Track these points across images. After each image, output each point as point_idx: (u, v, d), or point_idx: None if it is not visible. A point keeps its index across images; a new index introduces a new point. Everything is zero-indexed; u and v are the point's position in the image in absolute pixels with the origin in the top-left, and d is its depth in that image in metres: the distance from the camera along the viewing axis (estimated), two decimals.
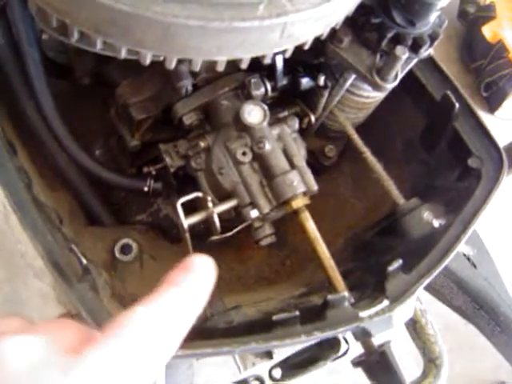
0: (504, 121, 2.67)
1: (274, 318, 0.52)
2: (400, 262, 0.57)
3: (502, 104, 2.66)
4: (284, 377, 1.07)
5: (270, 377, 1.08)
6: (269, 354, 1.13)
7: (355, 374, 0.98)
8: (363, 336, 0.55)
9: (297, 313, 0.53)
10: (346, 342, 0.97)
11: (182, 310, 0.39)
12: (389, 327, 0.55)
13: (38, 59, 0.68)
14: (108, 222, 0.76)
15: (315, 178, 0.65)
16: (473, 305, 0.88)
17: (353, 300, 0.57)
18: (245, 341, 0.52)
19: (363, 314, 0.55)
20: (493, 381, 2.51)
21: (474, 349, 2.48)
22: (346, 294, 0.55)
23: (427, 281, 0.57)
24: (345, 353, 0.99)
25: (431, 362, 0.88)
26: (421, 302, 0.92)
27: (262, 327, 0.55)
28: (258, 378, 0.99)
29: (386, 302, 0.56)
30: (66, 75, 0.79)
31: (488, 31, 2.64)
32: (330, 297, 0.54)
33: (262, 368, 1.09)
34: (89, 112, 0.82)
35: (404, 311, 0.56)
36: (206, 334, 0.56)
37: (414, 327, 0.89)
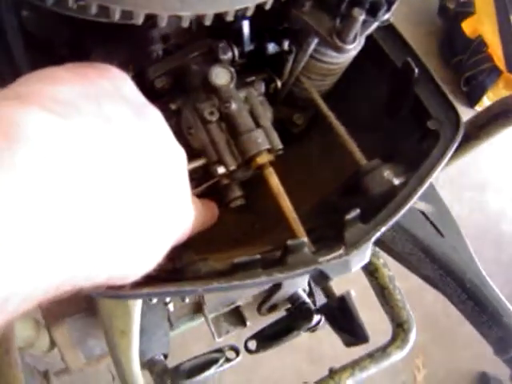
0: None
1: (236, 260, 0.55)
2: (357, 211, 0.60)
3: (481, 98, 2.72)
4: (259, 348, 1.10)
5: (246, 348, 1.11)
6: (242, 321, 1.17)
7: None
8: (322, 279, 0.58)
9: (258, 256, 0.56)
10: (319, 312, 1.01)
11: None
12: (346, 271, 0.58)
13: (17, 26, 0.71)
14: None
15: (284, 147, 0.69)
16: (440, 272, 0.91)
17: (313, 249, 0.60)
18: (207, 281, 0.55)
19: (322, 259, 0.58)
20: (473, 370, 2.56)
21: (454, 339, 2.53)
22: (306, 239, 0.58)
23: (383, 229, 0.60)
24: (317, 323, 1.03)
25: (399, 326, 0.91)
26: (389, 268, 0.95)
27: (227, 274, 0.58)
28: (233, 348, 1.02)
29: (343, 249, 0.59)
30: (46, 49, 0.82)
31: (468, 27, 2.69)
32: (289, 242, 0.57)
33: (238, 339, 1.12)
34: None
35: (360, 257, 0.59)
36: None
37: (383, 293, 0.93)
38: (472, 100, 2.76)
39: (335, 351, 2.30)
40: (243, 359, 1.06)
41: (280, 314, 1.12)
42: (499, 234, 2.79)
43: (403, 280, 1.03)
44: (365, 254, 0.59)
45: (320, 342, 2.33)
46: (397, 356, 0.90)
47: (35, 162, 0.32)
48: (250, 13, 0.57)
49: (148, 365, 0.97)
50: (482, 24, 2.67)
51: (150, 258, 0.46)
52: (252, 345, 1.10)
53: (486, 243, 2.71)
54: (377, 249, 0.94)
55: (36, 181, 0.32)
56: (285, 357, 2.31)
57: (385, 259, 0.96)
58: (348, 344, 0.84)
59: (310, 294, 1.11)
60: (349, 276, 0.61)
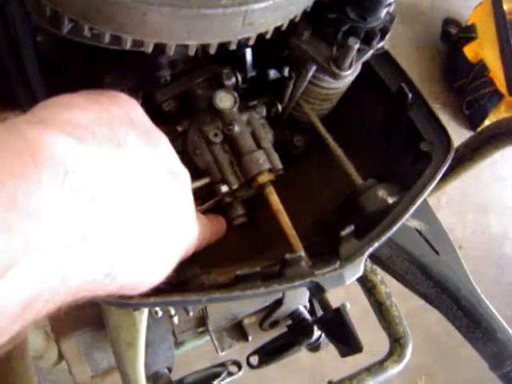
0: None
1: (238, 272, 0.59)
2: (352, 227, 0.64)
3: (483, 122, 2.76)
4: (261, 363, 1.13)
5: (248, 364, 1.14)
6: (244, 336, 1.20)
7: None
8: (318, 291, 0.61)
9: (258, 269, 0.60)
10: (315, 323, 1.04)
11: None
12: (340, 283, 0.62)
13: (34, 51, 0.75)
14: None
15: (284, 168, 0.73)
16: (436, 289, 0.94)
17: (310, 263, 0.64)
18: (210, 291, 0.59)
19: (318, 272, 0.61)
20: None
21: (456, 360, 2.54)
22: (303, 253, 0.62)
23: (377, 244, 0.64)
24: (317, 339, 1.06)
25: (396, 341, 0.94)
26: (386, 285, 0.98)
27: (229, 286, 0.62)
28: (236, 363, 1.05)
29: (338, 263, 0.63)
30: (59, 72, 0.86)
31: (469, 51, 2.75)
32: (287, 256, 0.61)
33: (240, 354, 1.15)
34: None
35: (354, 270, 0.62)
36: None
37: (380, 309, 0.96)
38: (474, 123, 2.80)
39: (338, 372, 2.31)
40: (245, 380, 1.09)
41: (281, 329, 1.15)
42: (501, 255, 2.81)
43: (405, 301, 1.06)
44: (359, 267, 0.63)
45: (322, 364, 2.34)
46: (393, 370, 0.93)
47: (58, 179, 0.36)
48: (252, 42, 0.61)
49: (152, 378, 1.00)
50: (483, 49, 2.72)
51: (159, 269, 0.50)
52: (254, 360, 1.13)
53: (488, 265, 2.73)
54: (374, 266, 0.97)
55: (59, 195, 0.36)
56: (287, 378, 2.32)
57: (382, 276, 0.99)
58: (343, 354, 0.87)
59: (312, 312, 1.15)
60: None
